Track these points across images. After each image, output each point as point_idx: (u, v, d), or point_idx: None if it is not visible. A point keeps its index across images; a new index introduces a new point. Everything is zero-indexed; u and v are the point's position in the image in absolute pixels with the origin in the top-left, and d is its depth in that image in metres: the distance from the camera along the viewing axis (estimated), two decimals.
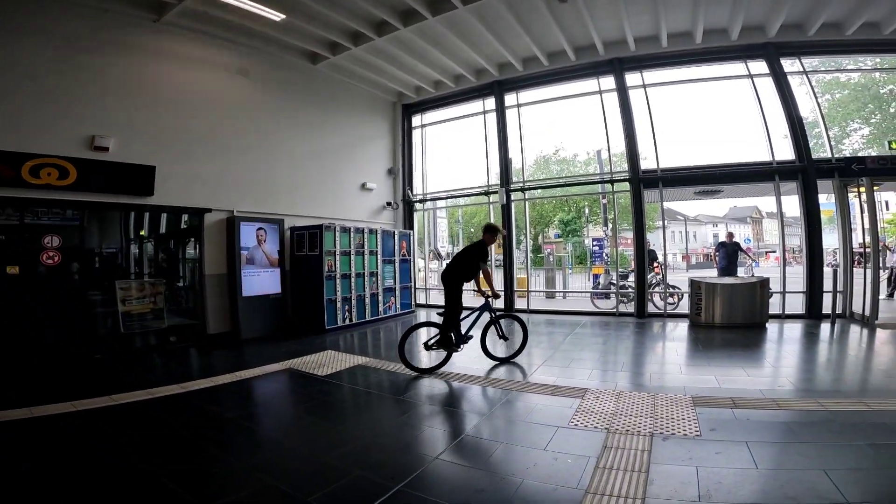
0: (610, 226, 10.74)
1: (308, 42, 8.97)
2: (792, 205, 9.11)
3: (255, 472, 3.02)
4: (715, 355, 6.13)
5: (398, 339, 5.88)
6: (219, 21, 7.76)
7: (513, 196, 11.07)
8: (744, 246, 10.56)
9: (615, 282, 10.42)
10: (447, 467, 3.08)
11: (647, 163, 9.99)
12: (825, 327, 7.69)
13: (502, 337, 5.94)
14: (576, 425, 3.69)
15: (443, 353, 5.61)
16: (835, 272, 8.15)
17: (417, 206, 12.59)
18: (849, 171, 8.20)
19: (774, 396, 4.16)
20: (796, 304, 8.69)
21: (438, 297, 13.27)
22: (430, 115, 12.69)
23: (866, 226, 8.12)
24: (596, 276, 12.31)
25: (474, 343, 5.92)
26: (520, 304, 10.93)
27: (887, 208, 16.29)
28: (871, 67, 10.61)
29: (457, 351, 5.66)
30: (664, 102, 9.97)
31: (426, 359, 5.98)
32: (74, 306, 6.41)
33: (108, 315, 6.72)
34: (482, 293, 5.78)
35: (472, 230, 28.87)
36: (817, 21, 8.14)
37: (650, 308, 9.57)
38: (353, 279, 9.23)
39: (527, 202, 11.40)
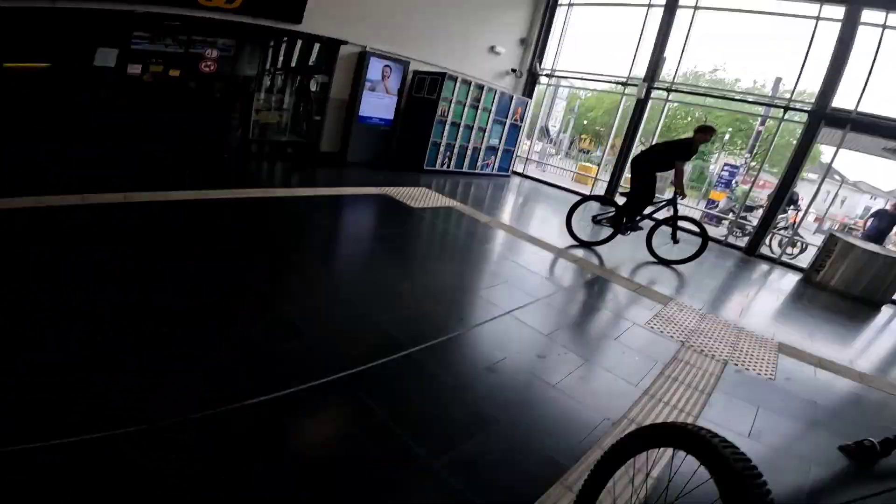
0: (751, 157, 9.32)
1: None
2: None
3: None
4: (817, 315, 5.65)
5: (501, 197, 6.08)
6: None
7: (654, 94, 9.79)
8: None
9: (736, 218, 9.45)
10: (517, 325, 3.31)
11: (839, 101, 8.06)
12: None
13: (675, 239, 5.89)
14: (652, 328, 3.75)
15: (607, 232, 5.84)
16: None
17: (542, 79, 11.65)
18: None
19: (862, 370, 3.91)
20: None
21: (535, 171, 13.16)
22: None
23: None
24: (712, 202, 11.28)
25: (640, 235, 6.04)
26: (621, 201, 10.56)
27: None
28: None
29: (624, 235, 5.86)
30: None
31: (585, 233, 6.19)
32: (217, 109, 7.05)
33: (242, 123, 7.42)
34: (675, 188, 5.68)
35: (585, 122, 26.64)
36: None
37: (764, 250, 8.71)
38: (460, 128, 9.44)
39: (667, 104, 10.04)
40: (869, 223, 8.72)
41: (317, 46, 7.96)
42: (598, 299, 4.31)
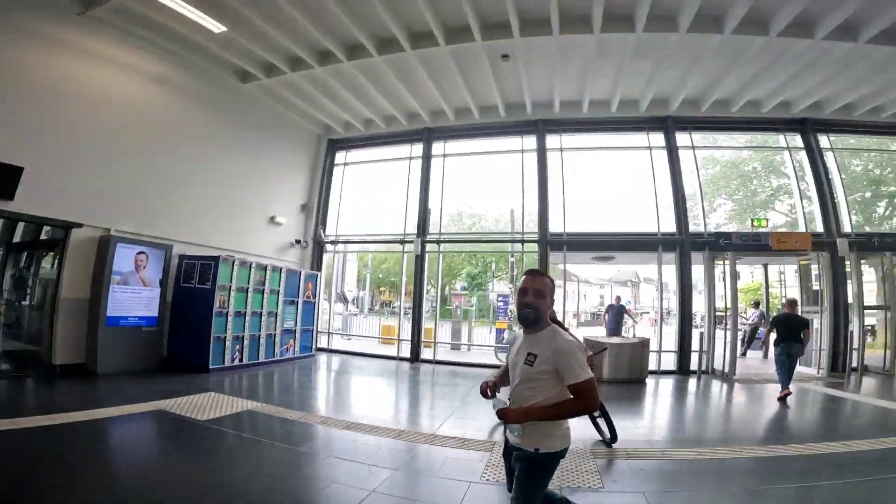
0: (515, 284, 11.27)
1: (244, 59, 8.55)
2: (668, 272, 10.30)
3: None
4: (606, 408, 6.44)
5: (308, 384, 5.37)
6: (147, 22, 7.18)
7: (427, 248, 11.13)
8: (627, 308, 11.69)
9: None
10: None
11: (555, 224, 10.63)
12: (693, 382, 8.62)
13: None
14: (487, 480, 3.53)
15: None
16: (701, 334, 9.30)
17: (328, 247, 12.11)
18: (717, 245, 9.58)
19: (660, 447, 4.47)
20: (669, 361, 9.59)
21: (341, 342, 12.71)
22: (356, 154, 12.60)
23: (727, 293, 9.46)
24: (500, 331, 12.61)
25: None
26: (426, 353, 10.76)
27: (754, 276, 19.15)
28: (742, 145, 12.63)
29: None
30: (576, 167, 10.96)
31: None
32: None
33: None
34: None
35: (381, 276, 28.51)
36: (711, 97, 9.53)
37: None
38: (247, 318, 8.51)
39: (440, 255, 11.54)
40: (607, 318, 11.22)
41: (45, 229, 6.66)
42: (427, 467, 3.94)
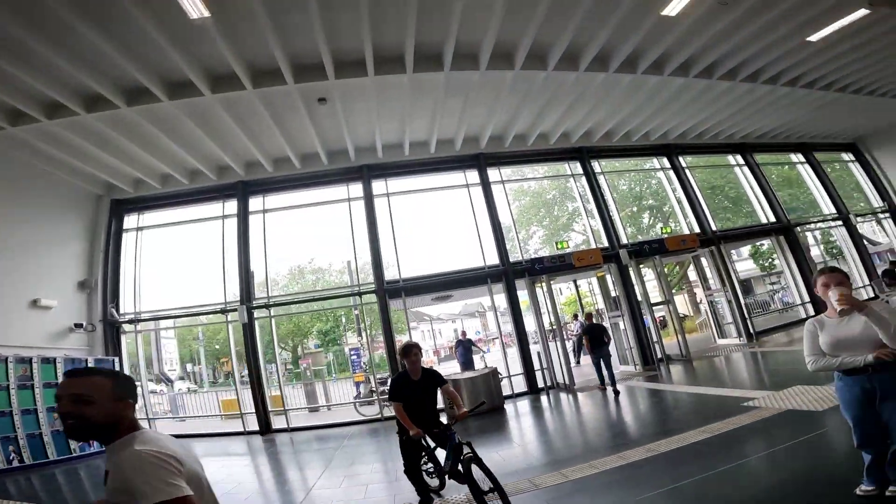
0: (363, 335, 10.83)
1: None
2: (501, 300, 11.10)
3: None
4: (475, 435, 6.32)
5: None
6: None
7: (257, 314, 9.94)
8: (475, 339, 12.14)
9: (374, 388, 10.21)
10: None
11: (391, 271, 10.57)
12: (544, 399, 9.20)
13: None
14: None
15: None
16: (538, 354, 10.09)
17: (128, 326, 9.82)
18: (534, 271, 10.65)
19: (529, 476, 4.45)
20: (520, 383, 10.16)
21: (173, 425, 10.82)
22: (153, 217, 10.77)
23: (550, 310, 10.53)
24: (358, 384, 11.95)
25: None
26: (279, 422, 9.56)
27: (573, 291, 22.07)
28: (541, 175, 14.38)
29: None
30: (404, 211, 11.13)
31: None
32: None
33: None
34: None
35: (217, 347, 24.76)
36: (511, 132, 10.59)
37: None
38: (16, 417, 7.37)
39: (273, 319, 10.41)
40: (458, 354, 11.45)
41: None
42: None
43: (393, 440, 7.13)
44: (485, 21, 6.74)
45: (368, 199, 10.63)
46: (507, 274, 10.68)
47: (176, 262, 11.18)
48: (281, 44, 6.47)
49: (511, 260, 10.91)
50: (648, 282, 12.26)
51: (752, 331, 11.36)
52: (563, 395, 9.25)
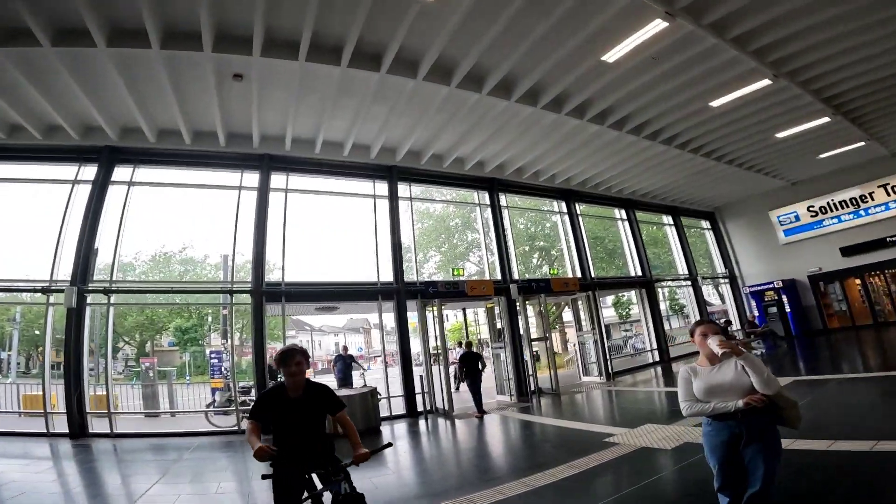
0: (229, 337, 9.57)
1: None
2: (390, 319, 10.69)
3: None
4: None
5: None
6: None
7: (92, 299, 8.34)
8: (356, 355, 11.52)
9: (234, 397, 9.00)
10: None
11: (275, 274, 9.73)
12: (422, 423, 8.97)
13: None
14: None
15: None
16: (421, 377, 9.87)
17: None
18: (427, 293, 10.53)
19: None
20: (399, 405, 9.86)
21: None
22: None
23: (438, 336, 10.44)
24: (215, 391, 10.57)
25: None
26: (100, 426, 8.07)
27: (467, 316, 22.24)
28: (450, 199, 14.44)
29: None
30: (302, 211, 10.32)
31: None
32: None
33: None
34: None
35: (38, 333, 20.23)
36: (430, 150, 10.43)
37: None
38: None
39: (112, 307, 8.78)
40: (336, 370, 10.74)
41: None
42: None
43: (249, 455, 6.39)
44: (435, 32, 6.66)
45: (263, 191, 9.68)
46: (400, 293, 10.43)
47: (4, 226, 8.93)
48: (212, 6, 5.74)
49: (406, 279, 10.68)
50: (530, 318, 12.92)
51: (611, 371, 12.52)
52: (441, 421, 9.13)
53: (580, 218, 14.42)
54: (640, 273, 15.40)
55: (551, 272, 13.77)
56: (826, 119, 10.65)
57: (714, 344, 2.58)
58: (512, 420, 8.71)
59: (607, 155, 11.92)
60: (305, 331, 34.38)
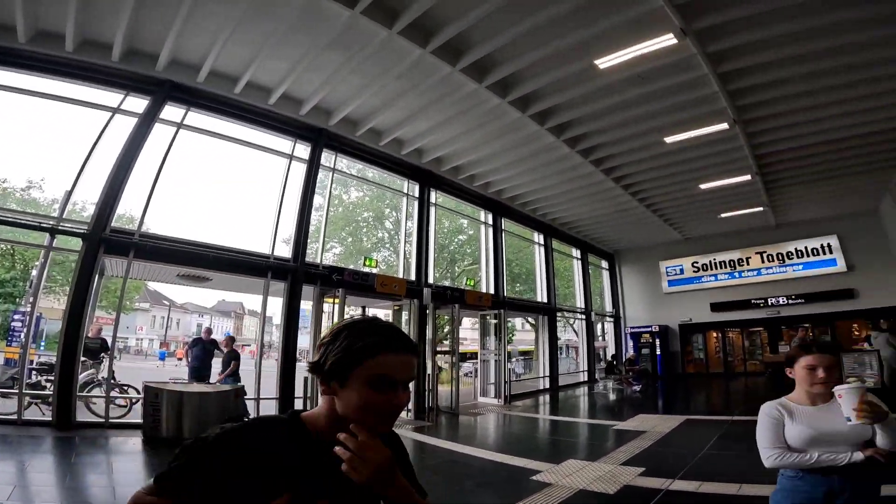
0: (37, 295, 6.96)
1: None
2: (274, 305, 8.82)
3: None
4: None
5: None
6: None
7: None
8: (221, 342, 8.95)
9: (19, 374, 6.43)
10: None
11: (122, 220, 7.73)
12: None
13: None
14: None
15: None
16: (305, 379, 8.13)
17: None
18: (329, 281, 8.92)
19: None
20: (273, 408, 8.08)
21: None
22: None
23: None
24: (8, 361, 7.70)
25: None
26: None
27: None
28: (376, 182, 12.98)
29: None
30: (191, 152, 8.35)
31: None
32: None
33: None
34: None
35: None
36: (371, 122, 9.04)
37: (86, 415, 6.76)
38: None
39: None
40: (190, 356, 8.24)
41: None
42: None
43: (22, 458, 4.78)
44: None
45: (148, 118, 7.47)
46: (297, 274, 8.69)
47: None
48: None
49: (307, 261, 9.00)
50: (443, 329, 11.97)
51: (508, 394, 12.02)
52: None
53: (503, 233, 13.97)
54: (545, 300, 15.43)
55: (468, 283, 12.98)
56: (747, 177, 11.32)
57: (853, 405, 1.71)
58: (414, 442, 7.36)
59: (550, 174, 11.57)
60: (163, 305, 29.25)
